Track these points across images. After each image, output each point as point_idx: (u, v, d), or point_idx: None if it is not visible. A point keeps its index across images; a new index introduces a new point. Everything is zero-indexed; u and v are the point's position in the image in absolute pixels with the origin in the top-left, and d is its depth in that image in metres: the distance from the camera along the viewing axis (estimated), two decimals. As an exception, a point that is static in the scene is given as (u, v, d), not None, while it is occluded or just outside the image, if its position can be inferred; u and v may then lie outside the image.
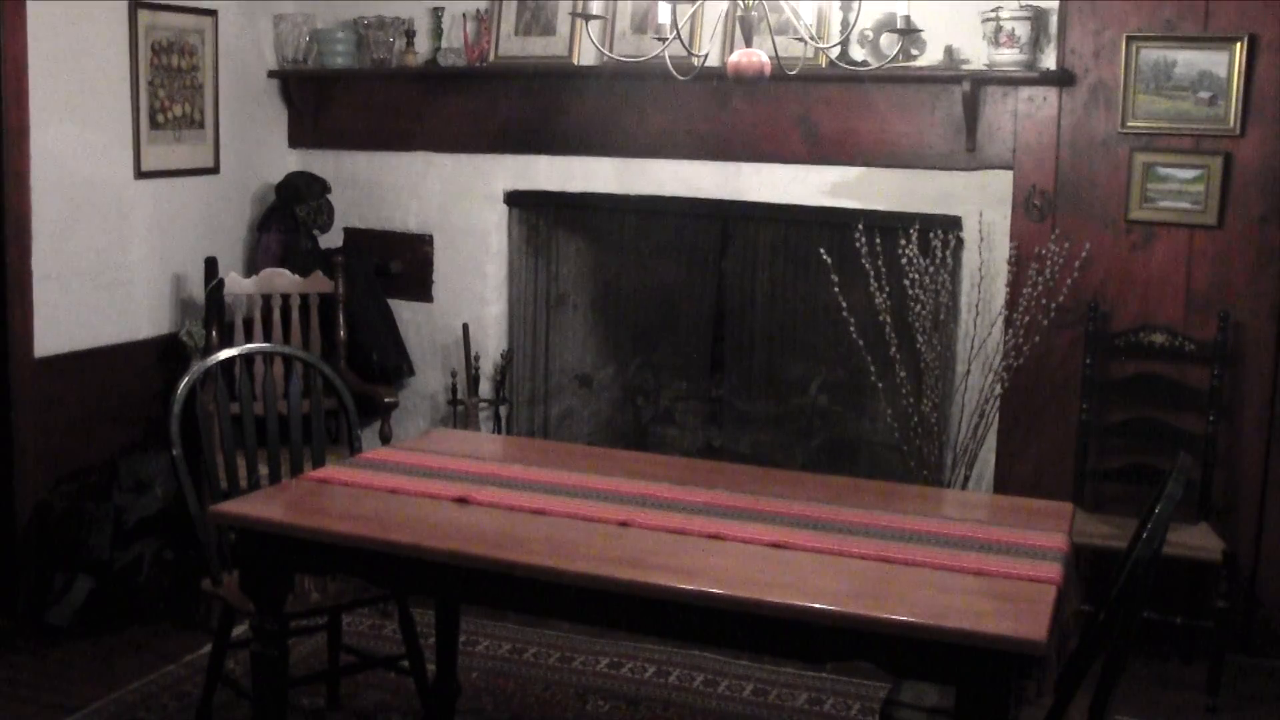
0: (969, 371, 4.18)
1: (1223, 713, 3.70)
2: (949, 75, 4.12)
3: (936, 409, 4.13)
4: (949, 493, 3.84)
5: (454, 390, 4.90)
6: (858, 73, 4.01)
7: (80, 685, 3.67)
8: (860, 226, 4.10)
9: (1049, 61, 4.07)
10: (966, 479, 4.15)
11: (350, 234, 5.12)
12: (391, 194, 5.05)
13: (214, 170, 4.80)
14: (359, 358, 4.78)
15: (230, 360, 3.49)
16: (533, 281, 5.04)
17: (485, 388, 4.95)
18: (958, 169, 4.21)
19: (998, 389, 4.08)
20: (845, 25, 4.07)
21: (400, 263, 5.04)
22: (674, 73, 3.10)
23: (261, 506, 2.74)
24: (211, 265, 4.56)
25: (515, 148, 4.83)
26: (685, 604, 2.35)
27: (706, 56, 3.52)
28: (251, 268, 4.77)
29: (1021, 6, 4.01)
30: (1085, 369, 4.05)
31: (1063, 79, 4.04)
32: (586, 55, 4.60)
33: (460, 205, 4.95)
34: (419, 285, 5.03)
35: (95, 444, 4.23)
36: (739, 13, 2.94)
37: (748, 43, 2.93)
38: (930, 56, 4.18)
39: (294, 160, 5.13)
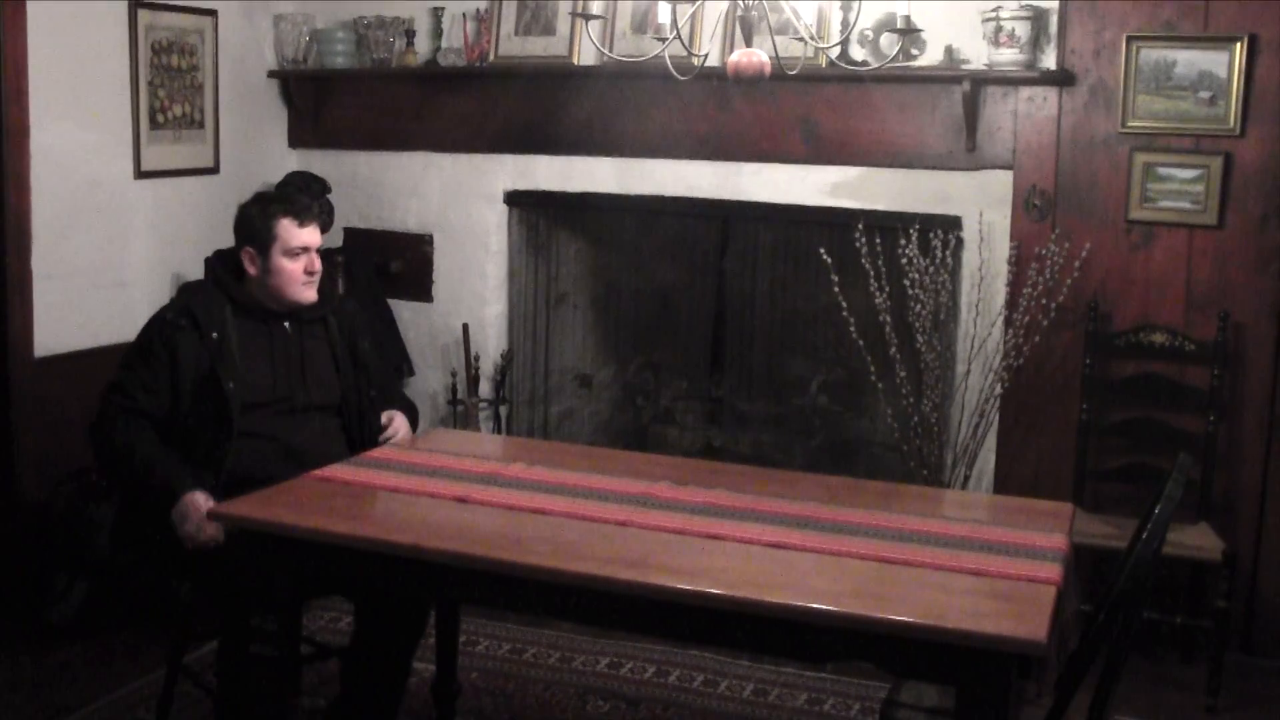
0: (969, 371, 4.18)
1: (1223, 713, 3.70)
2: (949, 75, 4.12)
3: (936, 409, 4.13)
4: (949, 493, 3.84)
5: (454, 390, 4.90)
6: (858, 73, 4.00)
7: (80, 685, 3.67)
8: (860, 226, 4.10)
9: (1049, 61, 4.07)
10: (966, 479, 4.15)
11: (350, 234, 5.12)
12: (391, 194, 5.05)
13: (214, 170, 4.80)
14: (359, 358, 4.78)
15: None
16: (533, 281, 5.04)
17: (485, 388, 4.95)
18: (958, 169, 4.21)
19: (998, 389, 4.08)
20: (845, 25, 4.07)
21: (400, 263, 5.04)
22: (674, 73, 3.10)
23: (261, 507, 2.73)
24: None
25: (515, 148, 4.83)
26: (685, 604, 2.35)
27: (706, 56, 3.52)
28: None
29: (1021, 6, 4.01)
30: (1085, 369, 4.05)
31: (1063, 79, 4.04)
32: (586, 55, 4.59)
33: (460, 205, 4.95)
34: (419, 285, 5.03)
35: (95, 444, 4.23)
36: (739, 13, 2.94)
37: (748, 43, 2.93)
38: (930, 56, 4.18)
39: (294, 160, 5.13)
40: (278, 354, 3.19)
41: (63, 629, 3.95)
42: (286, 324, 3.23)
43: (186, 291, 3.23)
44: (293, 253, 3.15)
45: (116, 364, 3.16)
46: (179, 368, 3.05)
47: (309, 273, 3.18)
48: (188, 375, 3.05)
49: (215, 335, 3.09)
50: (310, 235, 3.19)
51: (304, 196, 3.24)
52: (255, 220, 3.18)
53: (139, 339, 3.14)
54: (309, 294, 3.21)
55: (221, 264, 3.25)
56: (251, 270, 3.17)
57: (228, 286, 3.18)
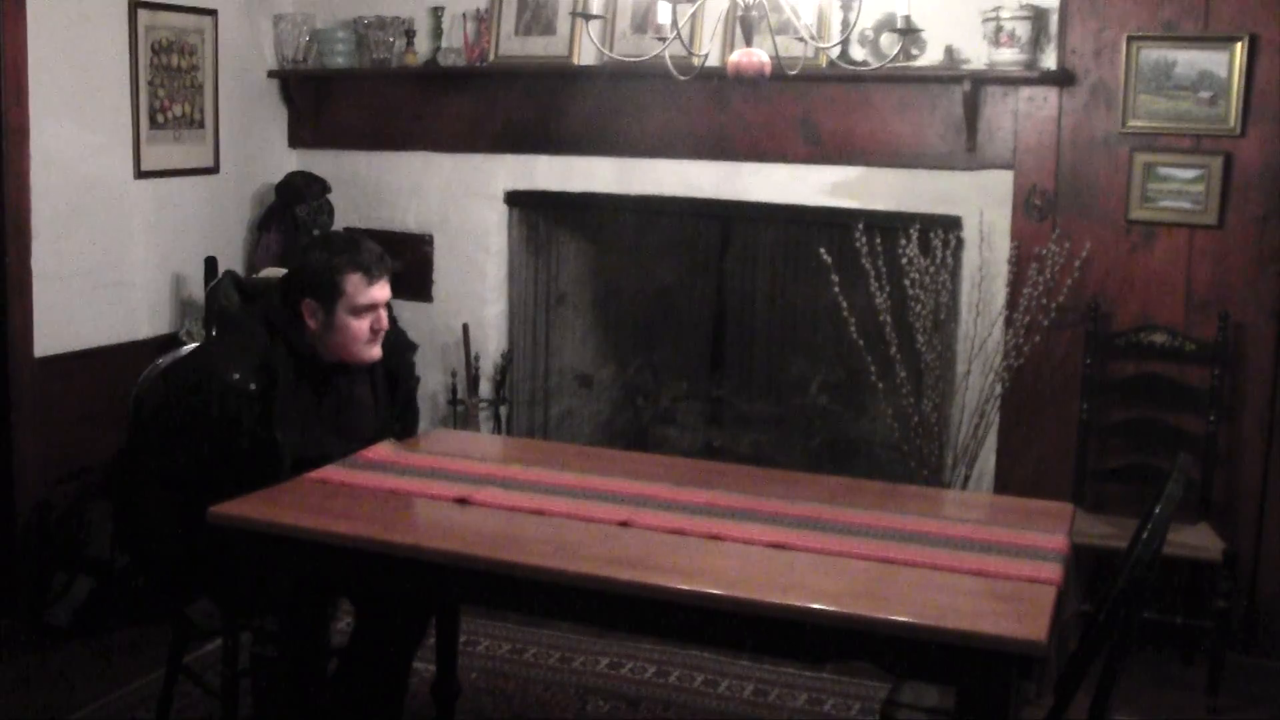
0: (969, 371, 4.18)
1: (1223, 713, 3.70)
2: (949, 75, 4.12)
3: (936, 409, 4.13)
4: (949, 493, 3.84)
5: (454, 390, 4.90)
6: (858, 73, 4.00)
7: (80, 685, 3.67)
8: (860, 226, 4.10)
9: (1049, 61, 4.07)
10: (966, 479, 4.15)
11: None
12: (391, 194, 5.05)
13: (214, 170, 4.81)
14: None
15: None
16: (533, 281, 5.04)
17: (485, 388, 4.95)
18: (958, 169, 4.21)
19: (998, 389, 4.08)
20: (845, 25, 4.07)
21: (400, 263, 5.01)
22: (674, 73, 3.10)
23: (261, 507, 2.73)
24: (211, 265, 4.56)
25: (515, 148, 4.83)
26: (685, 604, 2.35)
27: (706, 56, 3.52)
28: (251, 268, 4.77)
29: (1022, 6, 4.01)
30: (1085, 369, 4.05)
31: (1063, 79, 4.04)
32: (586, 55, 4.59)
33: (460, 205, 4.95)
34: (419, 285, 5.03)
35: (95, 444, 4.23)
36: (739, 13, 2.94)
37: (748, 42, 2.93)
38: (930, 56, 4.18)
39: (294, 160, 5.13)
40: (325, 410, 3.04)
41: (63, 629, 3.95)
42: (340, 377, 3.05)
43: (252, 346, 2.91)
44: (359, 310, 2.93)
45: (159, 410, 2.98)
46: (236, 438, 2.85)
47: (374, 330, 2.97)
48: (242, 442, 2.86)
49: (279, 403, 2.87)
50: (380, 291, 2.96)
51: (374, 243, 3.02)
52: (320, 272, 2.93)
53: (200, 401, 2.85)
54: (373, 352, 3.00)
55: (282, 309, 2.98)
56: (311, 324, 2.94)
57: (290, 340, 2.95)
